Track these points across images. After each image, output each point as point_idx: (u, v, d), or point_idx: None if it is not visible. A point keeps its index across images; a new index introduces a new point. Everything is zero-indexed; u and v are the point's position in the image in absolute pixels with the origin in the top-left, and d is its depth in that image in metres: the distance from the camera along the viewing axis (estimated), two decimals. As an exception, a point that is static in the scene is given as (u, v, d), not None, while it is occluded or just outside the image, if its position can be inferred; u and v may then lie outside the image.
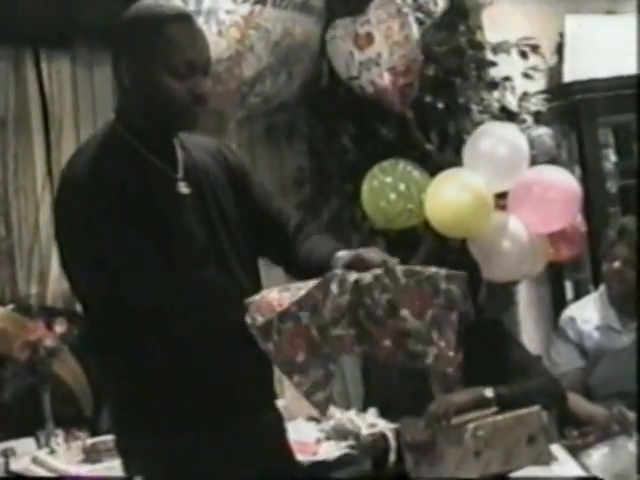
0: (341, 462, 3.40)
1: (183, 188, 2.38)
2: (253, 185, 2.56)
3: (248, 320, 2.19)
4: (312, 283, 2.22)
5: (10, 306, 3.89)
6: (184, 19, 2.33)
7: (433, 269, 2.31)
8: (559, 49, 5.23)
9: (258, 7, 3.76)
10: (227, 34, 3.73)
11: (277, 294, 2.22)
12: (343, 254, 2.37)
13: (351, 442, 3.47)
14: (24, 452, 3.57)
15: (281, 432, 2.57)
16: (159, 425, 2.32)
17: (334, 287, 2.20)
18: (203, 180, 2.43)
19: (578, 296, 5.02)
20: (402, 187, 4.03)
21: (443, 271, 2.32)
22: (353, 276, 2.24)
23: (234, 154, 2.59)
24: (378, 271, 2.25)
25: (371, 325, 2.23)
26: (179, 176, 2.39)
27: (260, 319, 2.17)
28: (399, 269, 2.26)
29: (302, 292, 2.19)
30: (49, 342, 3.74)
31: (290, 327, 2.17)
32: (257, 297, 2.23)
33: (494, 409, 3.41)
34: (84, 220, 2.25)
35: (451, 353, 2.29)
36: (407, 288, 2.25)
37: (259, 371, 2.37)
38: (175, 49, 2.28)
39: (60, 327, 3.81)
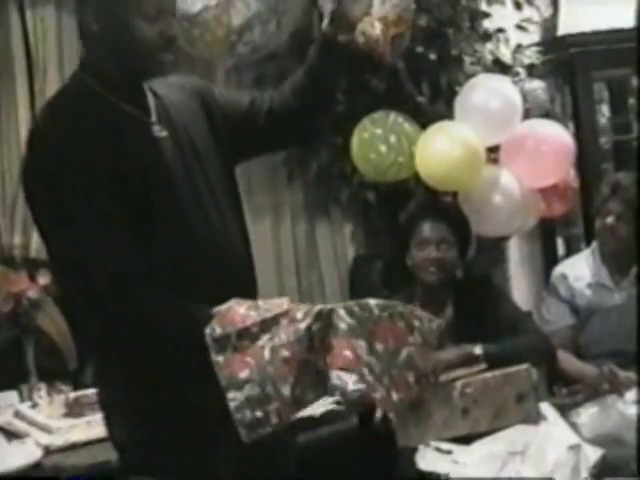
0: (327, 418, 3.36)
1: (158, 132, 2.33)
2: (222, 105, 2.51)
3: (207, 329, 2.14)
4: (281, 307, 2.17)
5: (-7, 257, 3.86)
6: None
7: (409, 307, 2.26)
8: (554, 1, 5.15)
9: (247, -47, 3.69)
10: (215, -19, 3.66)
11: (244, 310, 2.17)
12: None
13: (337, 398, 3.43)
14: (7, 405, 3.54)
15: None
16: (140, 380, 2.28)
17: (298, 314, 2.16)
18: (178, 123, 2.38)
19: (570, 252, 4.99)
20: (393, 139, 3.98)
21: (418, 311, 2.26)
22: (319, 306, 2.18)
23: (209, 89, 2.54)
24: (351, 303, 2.19)
25: (332, 339, 2.16)
26: (153, 120, 2.34)
27: (218, 330, 2.14)
28: (372, 301, 2.19)
29: (268, 315, 2.15)
30: (32, 294, 3.71)
31: (246, 345, 2.13)
32: (224, 307, 2.18)
33: (482, 366, 3.37)
34: (52, 177, 2.20)
35: (396, 397, 2.21)
36: (380, 321, 2.18)
37: None
38: None
39: (43, 279, 3.77)
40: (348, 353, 2.15)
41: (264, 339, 2.14)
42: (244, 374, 2.13)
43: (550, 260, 5.00)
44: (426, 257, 3.56)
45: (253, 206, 4.47)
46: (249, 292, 2.39)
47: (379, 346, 2.16)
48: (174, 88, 2.45)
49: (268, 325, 2.14)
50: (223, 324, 2.15)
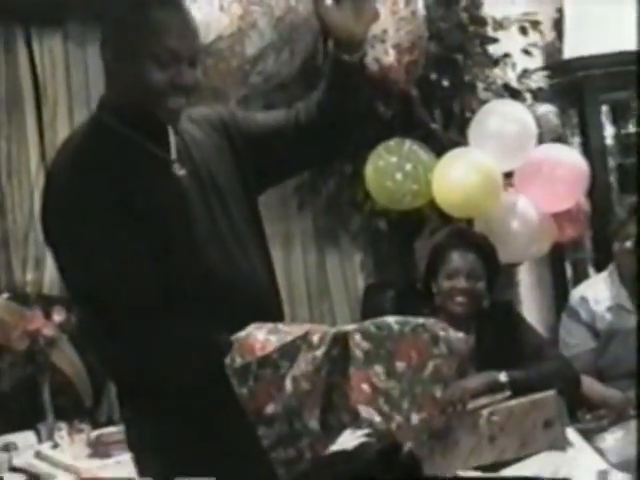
0: (359, 451, 3.32)
1: (178, 170, 2.30)
2: (248, 130, 2.46)
3: (227, 360, 2.10)
4: (299, 330, 2.12)
5: (5, 294, 3.80)
6: (172, 5, 2.25)
7: (430, 319, 2.17)
8: (557, 25, 5.16)
9: (261, -18, 3.66)
10: (229, 10, 3.63)
11: (264, 335, 2.12)
12: None
13: (366, 430, 3.39)
14: (25, 446, 3.48)
15: None
16: (168, 414, 2.23)
17: (315, 338, 2.10)
18: (198, 160, 2.35)
19: (577, 276, 4.99)
20: (408, 167, 3.97)
21: (440, 324, 2.17)
22: (334, 329, 2.13)
23: (233, 116, 2.49)
24: (368, 323, 2.12)
25: (350, 368, 2.10)
26: (173, 157, 2.30)
27: (238, 361, 2.10)
28: (390, 319, 2.11)
29: (287, 339, 2.10)
30: (48, 331, 3.67)
31: (268, 374, 2.09)
32: (243, 334, 2.13)
33: (508, 394, 3.35)
34: (74, 219, 2.17)
35: (417, 418, 2.10)
36: (401, 338, 2.09)
37: None
38: (159, 36, 2.20)
39: (58, 316, 3.73)
40: (366, 387, 2.10)
41: (285, 366, 2.09)
42: (270, 408, 2.09)
43: (559, 284, 5.00)
44: (455, 287, 3.53)
45: (264, 235, 4.43)
46: (275, 320, 2.35)
47: (400, 365, 2.09)
48: (197, 122, 2.42)
49: (287, 350, 2.09)
50: (242, 353, 2.11)
